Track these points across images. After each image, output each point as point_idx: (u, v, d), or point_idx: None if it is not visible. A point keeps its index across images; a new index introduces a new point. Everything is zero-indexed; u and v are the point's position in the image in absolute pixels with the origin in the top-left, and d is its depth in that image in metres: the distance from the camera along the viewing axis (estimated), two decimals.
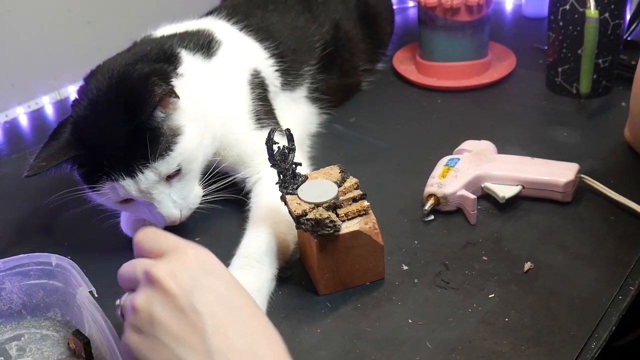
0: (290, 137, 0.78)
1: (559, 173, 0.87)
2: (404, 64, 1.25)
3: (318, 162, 0.97)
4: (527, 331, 0.70)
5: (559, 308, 0.73)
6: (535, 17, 1.37)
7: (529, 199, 0.88)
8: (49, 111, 1.27)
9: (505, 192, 0.87)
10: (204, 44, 0.93)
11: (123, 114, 0.79)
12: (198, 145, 0.84)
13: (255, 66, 0.98)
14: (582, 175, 0.88)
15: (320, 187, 0.77)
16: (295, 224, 0.75)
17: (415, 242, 0.84)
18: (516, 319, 0.72)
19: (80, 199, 0.86)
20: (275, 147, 0.76)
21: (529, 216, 0.86)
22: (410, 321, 0.73)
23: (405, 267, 0.80)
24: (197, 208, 0.87)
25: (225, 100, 0.91)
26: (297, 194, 0.76)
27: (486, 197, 0.89)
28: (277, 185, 0.78)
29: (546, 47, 1.14)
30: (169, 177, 0.82)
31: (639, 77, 0.89)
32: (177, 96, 0.82)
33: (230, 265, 0.78)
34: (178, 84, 0.84)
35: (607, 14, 1.03)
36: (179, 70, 0.87)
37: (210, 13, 1.07)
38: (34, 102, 1.27)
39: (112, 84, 0.81)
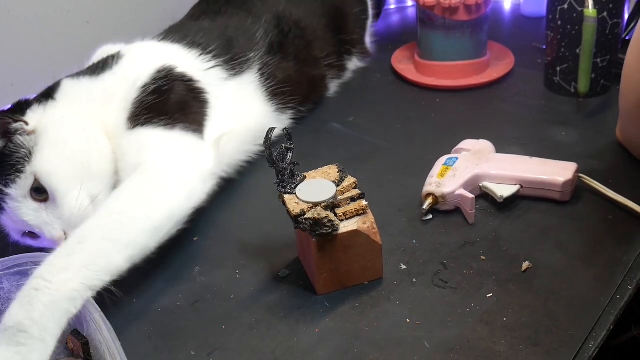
0: (288, 137, 0.78)
1: (557, 172, 0.87)
2: (403, 63, 1.25)
3: (316, 161, 0.97)
4: (525, 331, 0.70)
5: (557, 307, 0.73)
6: (534, 17, 1.37)
7: (528, 199, 0.88)
8: None
9: (503, 191, 0.86)
10: (99, 66, 0.94)
11: None
12: (55, 157, 0.82)
13: (165, 64, 0.93)
14: (581, 175, 0.88)
15: (319, 186, 0.77)
16: (293, 224, 0.75)
17: (414, 241, 0.84)
18: (514, 318, 0.72)
19: None
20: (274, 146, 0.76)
21: (527, 215, 0.86)
22: (408, 321, 0.73)
23: (403, 267, 0.80)
24: None
25: (104, 106, 0.89)
26: (295, 194, 0.76)
27: (484, 196, 0.89)
28: (275, 185, 0.78)
29: (544, 47, 1.14)
30: (41, 200, 0.81)
31: (626, 76, 0.89)
32: (18, 121, 0.83)
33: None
34: (39, 110, 0.86)
35: (605, 13, 1.02)
36: (55, 96, 0.89)
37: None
38: None
39: None
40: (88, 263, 0.69)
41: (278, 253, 0.84)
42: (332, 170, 0.79)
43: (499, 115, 1.09)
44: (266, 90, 1.04)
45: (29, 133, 0.84)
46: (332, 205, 0.75)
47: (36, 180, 0.80)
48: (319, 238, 0.73)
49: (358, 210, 0.75)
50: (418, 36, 1.21)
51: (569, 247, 0.81)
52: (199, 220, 0.89)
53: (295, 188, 0.77)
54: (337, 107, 1.15)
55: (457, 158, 0.91)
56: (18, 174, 0.80)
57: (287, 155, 0.77)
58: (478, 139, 0.95)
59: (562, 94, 1.11)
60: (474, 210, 0.86)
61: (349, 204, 0.76)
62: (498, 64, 1.21)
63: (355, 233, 0.74)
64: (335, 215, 0.74)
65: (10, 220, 0.82)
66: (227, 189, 0.94)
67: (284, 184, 0.77)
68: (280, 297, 0.78)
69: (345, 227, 0.74)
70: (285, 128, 0.78)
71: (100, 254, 0.70)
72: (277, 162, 0.77)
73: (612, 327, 0.70)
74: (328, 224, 0.72)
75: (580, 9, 1.02)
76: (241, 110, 1.00)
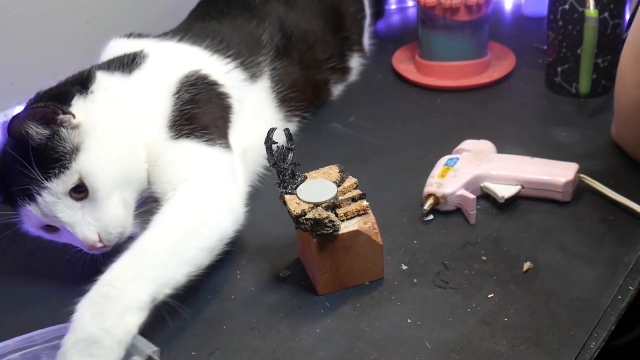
0: (289, 137, 0.78)
1: (558, 173, 0.87)
2: (404, 64, 1.25)
3: (317, 161, 0.97)
4: (526, 331, 0.70)
5: (558, 308, 0.73)
6: (535, 17, 1.37)
7: (529, 199, 0.88)
8: None
9: (504, 191, 0.86)
10: (127, 62, 0.91)
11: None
12: (102, 159, 0.79)
13: (192, 67, 0.93)
14: (582, 175, 0.88)
15: (319, 186, 0.77)
16: (294, 224, 0.75)
17: (415, 241, 0.84)
18: (515, 318, 0.72)
19: None
20: (274, 146, 0.77)
21: (528, 216, 0.86)
22: (409, 321, 0.73)
23: (404, 267, 0.80)
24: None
25: (141, 113, 0.87)
26: (296, 194, 0.76)
27: (485, 196, 0.89)
28: (276, 185, 0.78)
29: (545, 47, 1.14)
30: (79, 198, 0.78)
31: (620, 79, 0.89)
32: (66, 112, 0.79)
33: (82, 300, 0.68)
34: (78, 102, 0.82)
35: (606, 14, 1.03)
36: (92, 88, 0.85)
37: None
38: None
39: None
40: (156, 275, 0.70)
41: (279, 253, 0.84)
42: (333, 171, 0.80)
43: (500, 115, 1.09)
44: (276, 96, 1.04)
45: (74, 127, 0.80)
46: (333, 206, 0.75)
47: (79, 179, 0.78)
48: (319, 238, 0.73)
49: (359, 211, 0.75)
50: (419, 36, 1.21)
51: (570, 247, 0.81)
52: None
53: (296, 188, 0.77)
54: (338, 108, 1.15)
55: (458, 158, 0.91)
56: (62, 170, 0.77)
57: (288, 155, 0.77)
58: (479, 139, 0.95)
59: (563, 94, 1.11)
60: (475, 211, 0.86)
61: (349, 204, 0.76)
62: (499, 64, 1.21)
63: (356, 233, 0.74)
64: (336, 215, 0.74)
65: (37, 212, 0.78)
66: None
67: (285, 184, 0.77)
68: (281, 298, 0.78)
69: (346, 227, 0.74)
70: (286, 128, 0.78)
71: (166, 267, 0.72)
72: (278, 162, 0.77)
73: (613, 327, 0.70)
74: (329, 224, 0.72)
75: (581, 10, 1.02)
76: (258, 118, 0.99)
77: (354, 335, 0.72)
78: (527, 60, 1.22)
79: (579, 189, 0.88)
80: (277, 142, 0.77)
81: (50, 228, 0.81)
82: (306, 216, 0.73)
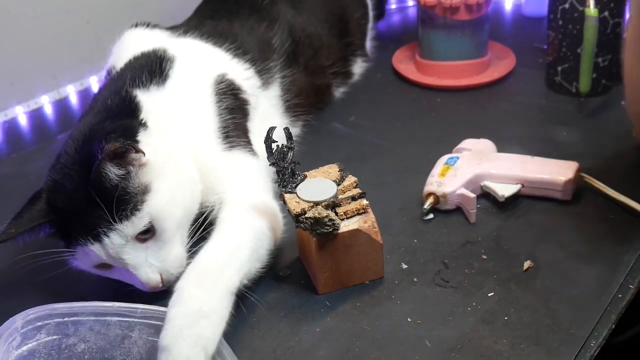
0: (289, 136, 0.78)
1: (558, 171, 0.87)
2: (404, 63, 1.25)
3: (317, 160, 0.97)
4: (526, 330, 0.70)
5: (559, 306, 0.73)
6: (535, 16, 1.37)
7: (529, 198, 0.88)
8: (48, 110, 1.27)
9: (504, 190, 0.86)
10: (155, 69, 0.89)
11: (84, 175, 0.75)
12: (170, 201, 0.78)
13: (220, 71, 0.93)
14: (582, 174, 0.88)
15: (319, 185, 0.77)
16: (294, 223, 0.75)
17: (415, 240, 0.84)
18: (515, 317, 0.72)
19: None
20: (274, 145, 0.77)
21: (528, 215, 0.86)
22: (409, 320, 0.73)
23: (404, 266, 0.80)
24: None
25: (189, 126, 0.87)
26: (295, 193, 0.76)
27: (486, 195, 0.89)
28: (276, 184, 0.78)
29: (546, 46, 1.14)
30: (144, 239, 0.76)
31: (630, 84, 0.86)
32: (138, 151, 0.77)
33: (181, 279, 0.72)
34: (144, 137, 0.80)
35: (606, 13, 1.02)
36: (143, 117, 0.83)
37: None
38: (33, 102, 1.27)
39: (79, 147, 0.78)
40: (241, 267, 0.74)
41: (279, 252, 0.84)
42: (333, 170, 0.80)
43: (500, 114, 1.09)
44: (283, 104, 1.04)
45: (141, 165, 0.77)
46: (332, 205, 0.75)
47: (150, 222, 0.76)
48: (319, 237, 0.73)
49: (359, 210, 0.75)
50: (419, 36, 1.21)
51: (571, 246, 0.81)
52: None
53: (295, 187, 0.77)
54: (338, 107, 1.15)
55: (458, 157, 0.91)
56: (133, 212, 0.74)
57: (287, 154, 0.77)
58: (479, 138, 0.95)
59: (564, 93, 1.11)
60: (475, 210, 0.86)
61: (349, 203, 0.76)
62: (499, 64, 1.21)
63: (356, 232, 0.74)
64: (336, 214, 0.74)
65: (101, 253, 0.75)
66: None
67: (285, 183, 0.77)
68: (281, 297, 0.78)
69: (346, 226, 0.74)
70: (286, 127, 0.78)
71: (246, 261, 0.75)
72: (277, 161, 0.77)
73: (614, 326, 0.70)
74: (329, 223, 0.72)
75: (581, 9, 1.02)
76: (266, 125, 0.98)
77: (354, 334, 0.72)
78: (527, 59, 1.22)
79: (579, 188, 0.88)
80: (276, 141, 0.77)
81: (104, 265, 0.78)
82: (306, 215, 0.73)
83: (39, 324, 0.70)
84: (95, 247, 0.75)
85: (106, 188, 0.74)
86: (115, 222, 0.74)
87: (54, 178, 0.78)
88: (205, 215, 0.83)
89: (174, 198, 0.79)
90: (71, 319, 0.71)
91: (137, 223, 0.75)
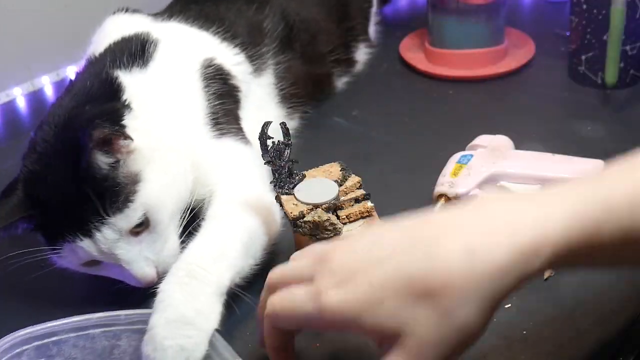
0: (286, 132, 0.78)
1: (582, 171, 0.86)
2: (412, 52, 1.25)
3: (317, 159, 0.97)
4: (546, 345, 0.70)
5: (583, 320, 0.72)
6: (557, 0, 1.37)
7: None
8: (22, 104, 1.27)
9: (523, 191, 0.86)
10: (137, 51, 0.89)
11: (70, 166, 0.75)
12: (164, 190, 0.79)
13: (208, 55, 0.94)
14: None
15: (319, 186, 0.77)
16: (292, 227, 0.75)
17: None
18: (535, 331, 0.72)
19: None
20: (269, 142, 0.76)
21: None
22: None
23: None
24: None
25: (175, 112, 0.87)
26: (293, 194, 0.76)
27: None
28: (272, 184, 0.77)
29: (568, 33, 1.14)
30: (137, 232, 0.77)
31: None
32: (127, 137, 0.77)
33: (164, 281, 0.72)
34: (130, 121, 0.79)
35: None
36: (127, 100, 0.82)
37: None
38: (5, 94, 1.27)
39: (58, 133, 0.78)
40: (233, 264, 0.74)
41: (275, 259, 0.83)
42: (334, 169, 0.79)
43: (517, 108, 1.09)
44: (279, 93, 1.05)
45: (130, 152, 0.78)
46: (334, 207, 0.75)
47: (144, 214, 0.76)
48: (320, 243, 0.73)
49: (363, 213, 0.75)
50: (429, 22, 1.21)
51: None
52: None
53: (293, 188, 0.77)
54: (340, 101, 1.16)
55: (472, 155, 0.91)
56: (126, 204, 0.75)
57: (284, 151, 0.77)
58: (495, 134, 0.95)
59: (588, 84, 1.11)
60: None
61: (352, 205, 0.76)
62: (517, 53, 1.21)
63: None
64: (338, 218, 0.74)
65: (91, 249, 0.76)
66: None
67: (281, 184, 0.77)
68: None
69: (348, 231, 0.74)
70: (283, 122, 0.78)
71: (239, 257, 0.75)
72: (273, 160, 0.77)
73: None
74: (330, 228, 0.72)
75: None
76: (260, 114, 0.98)
77: (356, 349, 0.72)
78: (547, 48, 1.22)
79: None
80: (272, 138, 0.77)
81: (93, 262, 0.78)
82: (305, 219, 0.73)
83: (17, 350, 0.69)
84: (85, 244, 0.75)
85: (95, 179, 0.74)
86: (108, 215, 0.74)
87: (31, 168, 0.78)
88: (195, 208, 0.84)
89: (167, 186, 0.79)
90: (51, 339, 0.70)
91: (132, 215, 0.75)
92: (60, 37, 1.28)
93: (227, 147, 0.88)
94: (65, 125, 0.78)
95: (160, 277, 0.77)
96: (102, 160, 0.75)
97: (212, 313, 0.69)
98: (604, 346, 0.69)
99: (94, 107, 0.79)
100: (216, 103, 0.90)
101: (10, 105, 1.26)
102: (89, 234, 0.75)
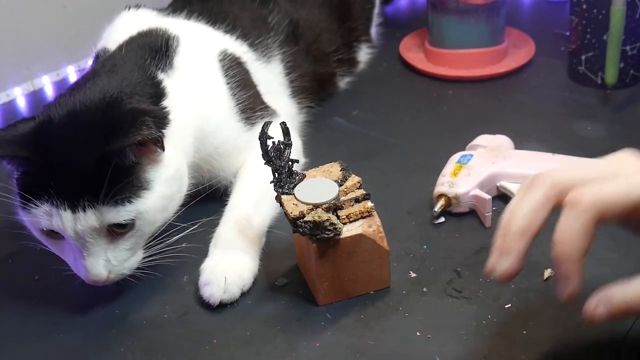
0: (286, 131, 0.78)
1: None
2: (412, 52, 1.25)
3: (317, 158, 0.97)
4: (547, 345, 0.70)
5: (582, 319, 0.72)
6: (557, 0, 1.37)
7: None
8: (21, 104, 1.27)
9: None
10: (157, 51, 0.88)
11: (96, 139, 0.75)
12: (162, 209, 0.80)
13: (221, 48, 0.95)
14: None
15: (319, 186, 0.77)
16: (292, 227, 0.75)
17: (424, 247, 0.84)
18: (535, 331, 0.72)
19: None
20: (269, 142, 0.76)
21: (549, 219, 0.86)
22: (418, 334, 0.73)
23: (413, 275, 0.80)
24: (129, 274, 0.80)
25: (202, 116, 0.89)
26: (293, 194, 0.76)
27: (502, 197, 0.89)
28: (272, 184, 0.78)
29: (568, 33, 1.14)
30: (114, 233, 0.76)
31: None
32: (162, 147, 0.78)
33: (220, 226, 0.84)
34: (167, 132, 0.80)
35: None
36: (167, 107, 0.83)
37: None
38: (5, 94, 1.27)
39: (101, 106, 0.78)
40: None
41: (275, 260, 0.84)
42: (335, 169, 0.79)
43: (517, 108, 1.09)
44: (290, 83, 1.06)
45: (152, 161, 0.78)
46: (334, 207, 0.75)
47: (132, 219, 0.76)
48: (319, 243, 0.73)
49: (363, 213, 0.75)
50: (429, 22, 1.21)
51: (596, 252, 0.80)
52: (189, 224, 0.89)
53: (293, 188, 0.77)
54: (340, 100, 1.16)
55: (471, 155, 0.91)
56: (123, 202, 0.75)
57: (284, 151, 0.77)
58: (495, 134, 0.95)
59: (588, 84, 1.11)
60: (491, 213, 0.86)
61: (352, 205, 0.76)
62: (517, 52, 1.21)
63: (359, 238, 0.74)
64: (338, 218, 0.74)
65: (67, 221, 0.74)
66: (219, 189, 0.94)
67: (281, 184, 0.77)
68: (278, 308, 0.78)
69: (348, 231, 0.74)
70: (282, 122, 0.78)
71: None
72: (273, 160, 0.77)
73: None
74: (330, 228, 0.72)
75: None
76: (276, 102, 1.01)
77: (358, 350, 0.72)
78: (547, 47, 1.22)
79: None
80: (272, 137, 0.77)
81: (54, 235, 0.77)
82: (305, 219, 0.73)
83: None
84: (65, 215, 0.74)
85: (116, 166, 0.74)
86: (103, 203, 0.74)
87: (52, 118, 0.78)
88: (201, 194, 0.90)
89: (165, 208, 0.80)
90: None
91: (122, 215, 0.75)
92: (60, 37, 1.28)
93: (253, 134, 0.87)
94: (110, 103, 0.78)
95: (108, 283, 0.78)
96: (130, 155, 0.75)
97: (257, 250, 0.83)
98: (604, 346, 0.69)
99: (144, 102, 0.81)
100: (241, 94, 0.93)
101: (10, 105, 1.26)
102: (74, 209, 0.74)
